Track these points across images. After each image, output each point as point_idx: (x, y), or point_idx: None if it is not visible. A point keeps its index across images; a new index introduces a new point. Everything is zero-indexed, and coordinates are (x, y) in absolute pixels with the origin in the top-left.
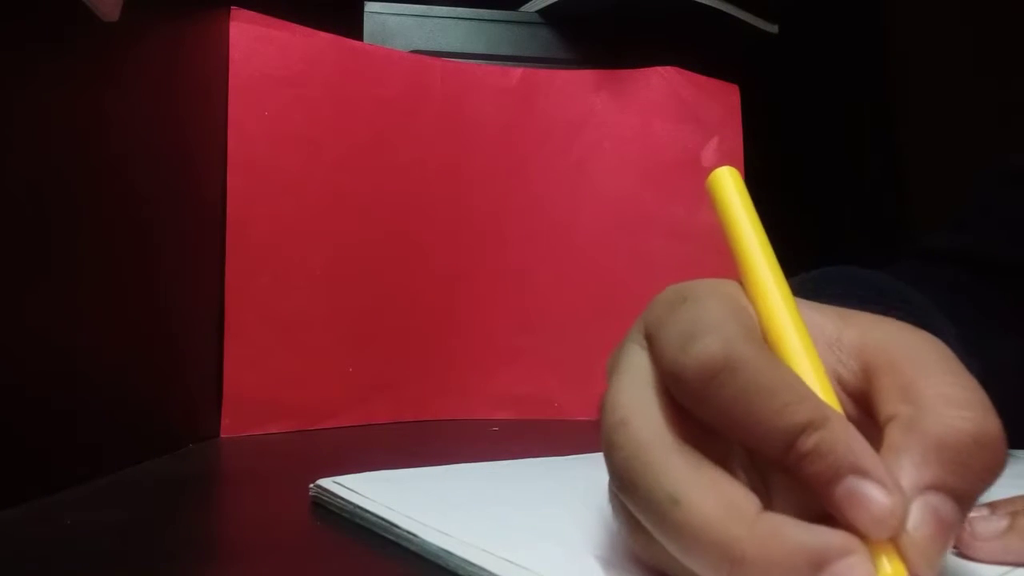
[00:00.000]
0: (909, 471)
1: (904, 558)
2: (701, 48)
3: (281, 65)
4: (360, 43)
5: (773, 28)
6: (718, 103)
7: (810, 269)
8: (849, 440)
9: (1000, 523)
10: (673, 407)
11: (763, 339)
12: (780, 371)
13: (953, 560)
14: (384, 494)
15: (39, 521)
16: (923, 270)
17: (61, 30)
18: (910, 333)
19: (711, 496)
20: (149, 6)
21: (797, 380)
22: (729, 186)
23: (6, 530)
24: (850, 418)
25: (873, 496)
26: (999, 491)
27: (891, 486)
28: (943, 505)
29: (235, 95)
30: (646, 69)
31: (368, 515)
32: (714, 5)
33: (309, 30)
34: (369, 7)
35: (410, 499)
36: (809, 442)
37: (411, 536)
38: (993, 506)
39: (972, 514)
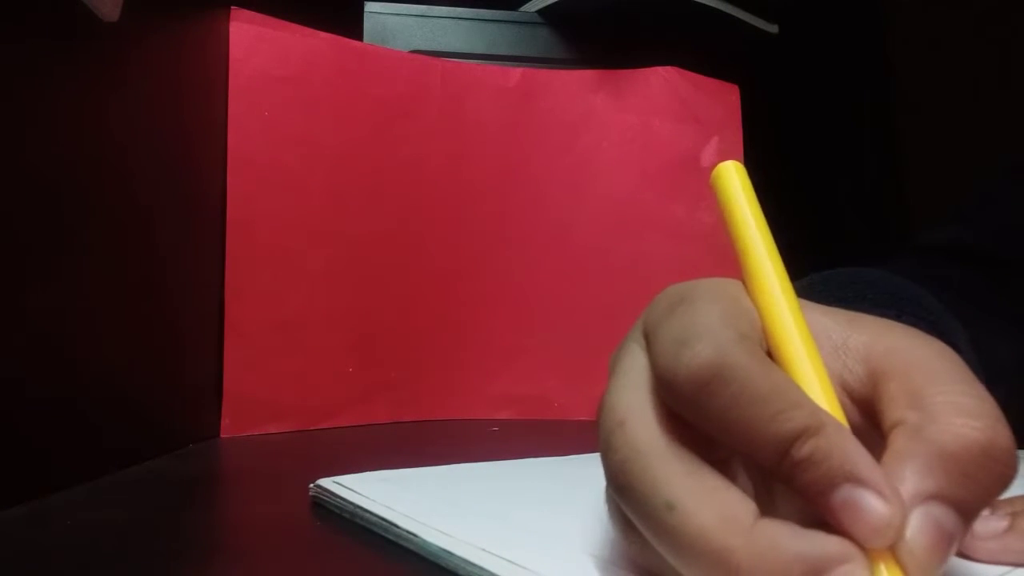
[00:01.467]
0: (912, 479)
1: (902, 567)
2: (701, 48)
3: (281, 65)
4: (360, 43)
5: (773, 28)
6: (718, 103)
7: (810, 269)
8: (845, 447)
9: (1000, 523)
10: (671, 409)
11: (764, 342)
12: (773, 377)
13: (953, 560)
14: (384, 494)
15: (39, 521)
16: (925, 267)
17: (61, 30)
18: (920, 340)
19: (707, 503)
20: (149, 6)
21: (792, 386)
22: (734, 181)
23: (6, 530)
24: (854, 425)
25: (870, 505)
26: None
27: (889, 494)
28: (944, 516)
29: (235, 95)
30: (646, 69)
31: (368, 515)
32: (714, 5)
33: (309, 30)
34: (369, 7)
35: (410, 499)
36: (803, 450)
37: (411, 536)
38: (993, 506)
39: None
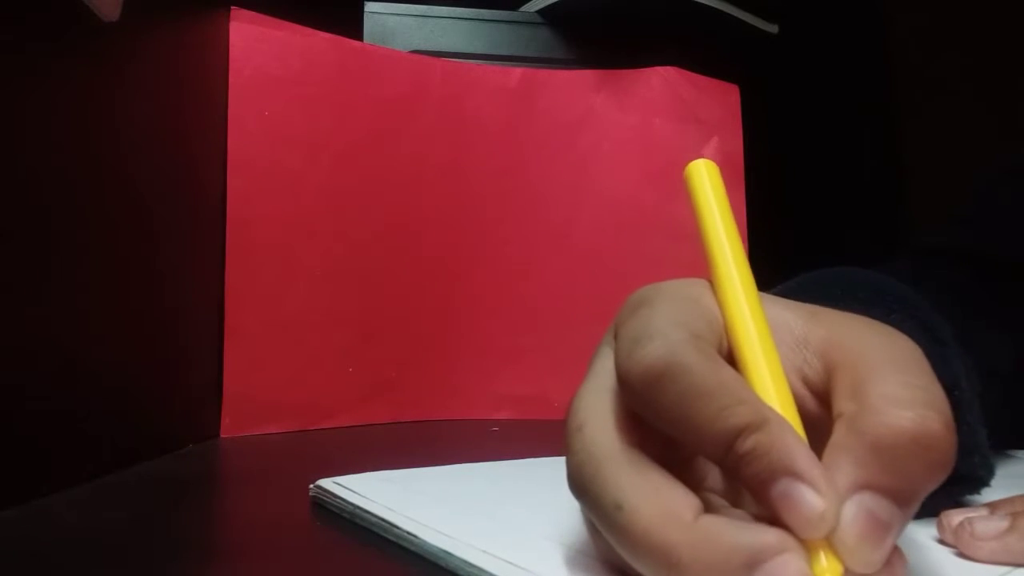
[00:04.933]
0: (846, 470)
1: (838, 556)
2: (701, 48)
3: (281, 65)
4: (360, 43)
5: (773, 28)
6: (718, 103)
7: (809, 269)
8: (786, 442)
9: (1000, 523)
10: (630, 412)
11: (724, 339)
12: (721, 375)
13: (953, 560)
14: (384, 494)
15: (39, 521)
16: (921, 269)
17: (61, 30)
18: (875, 333)
19: (651, 502)
20: (149, 6)
21: (738, 384)
22: (704, 180)
23: (6, 530)
24: (814, 417)
25: (805, 498)
26: (999, 491)
27: (824, 488)
28: (877, 505)
29: (235, 95)
30: (646, 69)
31: (368, 515)
32: (714, 5)
33: (309, 30)
34: (369, 7)
35: (410, 499)
36: (746, 444)
37: (411, 536)
38: (993, 506)
39: (972, 514)
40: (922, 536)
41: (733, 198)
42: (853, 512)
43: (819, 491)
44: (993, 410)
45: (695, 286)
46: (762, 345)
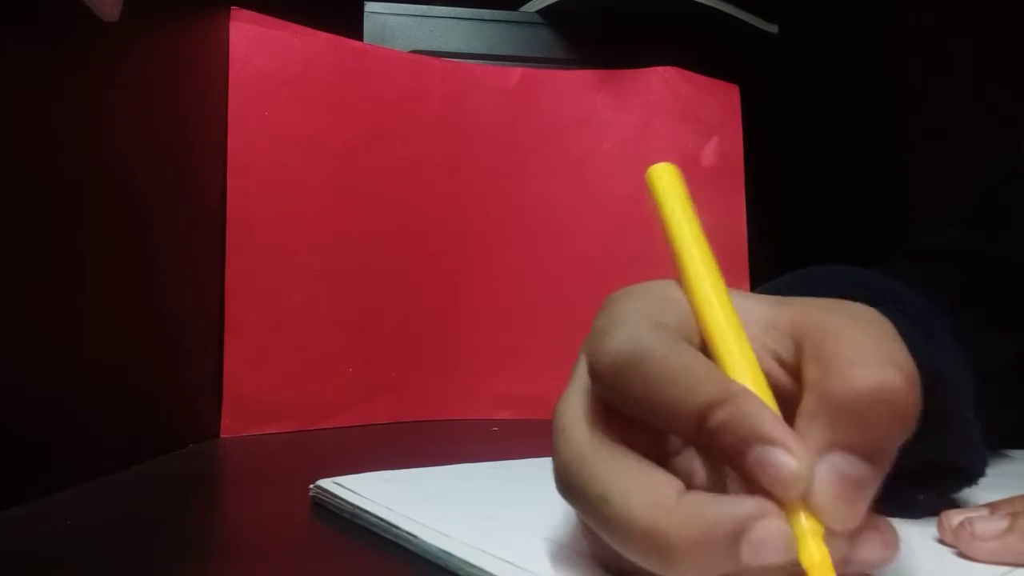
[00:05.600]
0: (815, 434)
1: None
2: (701, 48)
3: (281, 65)
4: (360, 43)
5: (773, 28)
6: (718, 103)
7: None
8: (753, 412)
9: (1000, 523)
10: (611, 411)
11: (695, 334)
12: (684, 357)
13: (953, 560)
14: (384, 494)
15: (39, 521)
16: (921, 269)
17: (61, 31)
18: (841, 305)
19: (635, 489)
20: (149, 6)
21: (701, 364)
22: (664, 183)
23: (6, 530)
24: (790, 393)
25: (779, 460)
26: (999, 491)
27: (796, 450)
28: (847, 463)
29: (235, 95)
30: (646, 69)
31: (368, 515)
32: (714, 5)
33: (309, 30)
34: (369, 7)
35: (410, 499)
36: (716, 419)
37: (411, 537)
38: (993, 506)
39: (972, 514)
40: (922, 536)
41: (733, 198)
42: (825, 473)
43: (791, 451)
44: (993, 410)
45: (666, 285)
46: (732, 330)
